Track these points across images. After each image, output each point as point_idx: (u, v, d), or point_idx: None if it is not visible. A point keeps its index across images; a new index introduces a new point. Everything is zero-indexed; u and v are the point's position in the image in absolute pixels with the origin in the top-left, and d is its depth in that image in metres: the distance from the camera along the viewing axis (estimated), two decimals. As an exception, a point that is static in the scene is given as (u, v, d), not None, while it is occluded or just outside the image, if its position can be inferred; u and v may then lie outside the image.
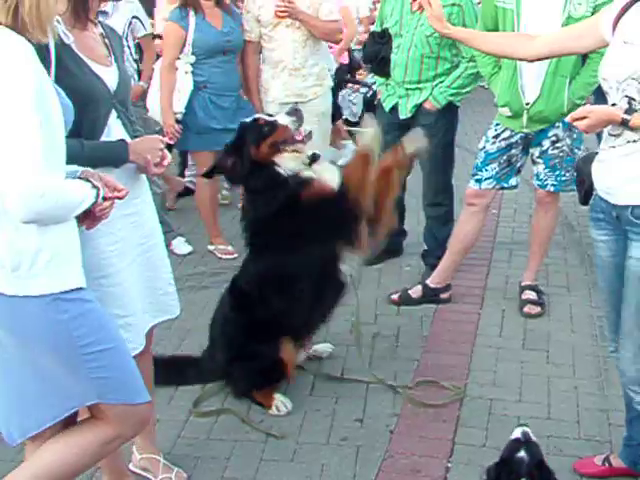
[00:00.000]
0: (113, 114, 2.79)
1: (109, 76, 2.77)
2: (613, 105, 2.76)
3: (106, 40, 2.86)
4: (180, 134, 5.28)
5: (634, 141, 2.71)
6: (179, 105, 5.22)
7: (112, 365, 2.42)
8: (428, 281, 4.84)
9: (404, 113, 4.96)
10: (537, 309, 4.64)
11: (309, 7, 5.21)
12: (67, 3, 2.68)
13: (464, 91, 4.90)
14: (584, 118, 2.74)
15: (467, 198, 4.64)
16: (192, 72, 5.19)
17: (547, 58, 3.43)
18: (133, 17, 5.53)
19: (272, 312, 3.70)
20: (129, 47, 5.54)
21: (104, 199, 2.36)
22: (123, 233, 2.80)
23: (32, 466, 2.53)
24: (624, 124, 2.67)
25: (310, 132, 3.78)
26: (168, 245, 5.50)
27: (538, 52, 3.17)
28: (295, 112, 3.76)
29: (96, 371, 2.38)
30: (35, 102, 2.12)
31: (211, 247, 5.77)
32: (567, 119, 2.87)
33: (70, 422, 2.62)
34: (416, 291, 4.85)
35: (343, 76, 8.28)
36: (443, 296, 4.84)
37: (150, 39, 5.76)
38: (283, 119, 3.73)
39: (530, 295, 4.72)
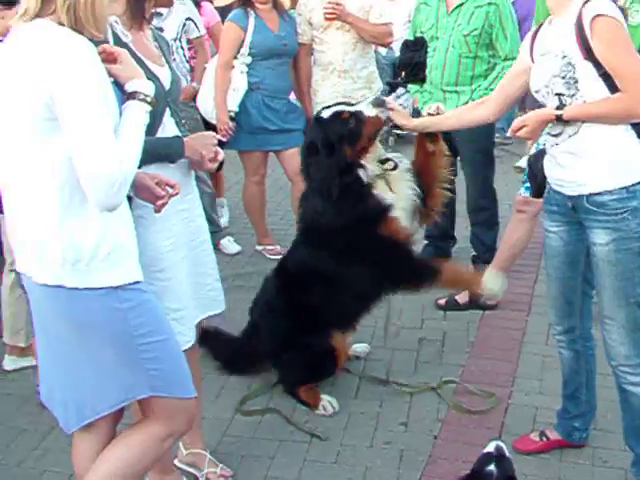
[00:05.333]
0: (167, 112, 2.86)
1: (163, 75, 2.84)
2: None
3: (155, 43, 2.93)
4: (233, 132, 5.33)
5: (575, 133, 2.87)
6: (233, 104, 5.26)
7: (165, 357, 2.47)
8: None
9: None
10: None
11: (359, 9, 5.22)
12: (125, 5, 2.76)
13: None
14: (522, 128, 2.93)
15: (516, 205, 4.61)
16: (247, 72, 5.24)
17: (509, 107, 3.40)
18: (187, 19, 5.58)
19: (317, 299, 3.71)
20: (182, 48, 5.60)
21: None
22: (177, 228, 2.87)
23: (97, 474, 2.57)
24: (559, 120, 2.86)
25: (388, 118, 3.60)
26: (217, 244, 5.57)
27: (494, 111, 3.29)
28: (383, 103, 3.56)
29: (150, 362, 2.43)
30: (101, 94, 2.22)
31: (259, 247, 5.82)
32: (508, 133, 3.02)
33: (117, 419, 2.70)
34: (463, 296, 4.83)
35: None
36: (490, 302, 4.81)
37: (203, 40, 5.82)
38: (369, 110, 3.54)
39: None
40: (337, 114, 3.58)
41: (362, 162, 3.57)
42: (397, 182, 3.69)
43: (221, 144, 5.21)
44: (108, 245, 2.34)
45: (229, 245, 5.85)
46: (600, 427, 3.53)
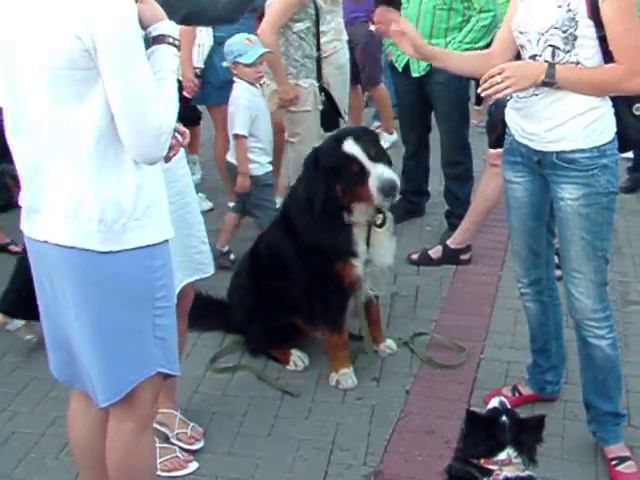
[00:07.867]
0: None
1: None
2: (533, 57, 2.79)
3: None
4: (199, 88, 5.27)
5: (559, 87, 2.74)
6: (198, 60, 5.21)
7: (169, 327, 2.32)
8: (448, 242, 4.81)
9: (417, 71, 4.93)
10: (558, 272, 4.59)
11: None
12: None
13: (477, 45, 4.81)
14: (500, 79, 2.68)
15: (490, 159, 4.58)
16: (211, 27, 5.15)
17: (517, 55, 3.06)
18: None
19: (276, 280, 3.73)
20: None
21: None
22: None
23: None
24: (546, 83, 2.70)
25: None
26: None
27: (503, 60, 2.91)
28: (391, 193, 3.39)
29: (159, 329, 2.27)
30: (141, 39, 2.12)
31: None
32: (483, 78, 2.75)
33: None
34: (436, 251, 4.82)
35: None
36: (463, 257, 4.80)
37: None
38: (375, 185, 3.37)
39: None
40: (351, 159, 3.41)
41: (351, 206, 3.47)
42: (378, 238, 3.60)
43: (188, 100, 5.18)
44: (146, 200, 2.19)
45: (201, 202, 5.71)
46: (571, 381, 3.53)
